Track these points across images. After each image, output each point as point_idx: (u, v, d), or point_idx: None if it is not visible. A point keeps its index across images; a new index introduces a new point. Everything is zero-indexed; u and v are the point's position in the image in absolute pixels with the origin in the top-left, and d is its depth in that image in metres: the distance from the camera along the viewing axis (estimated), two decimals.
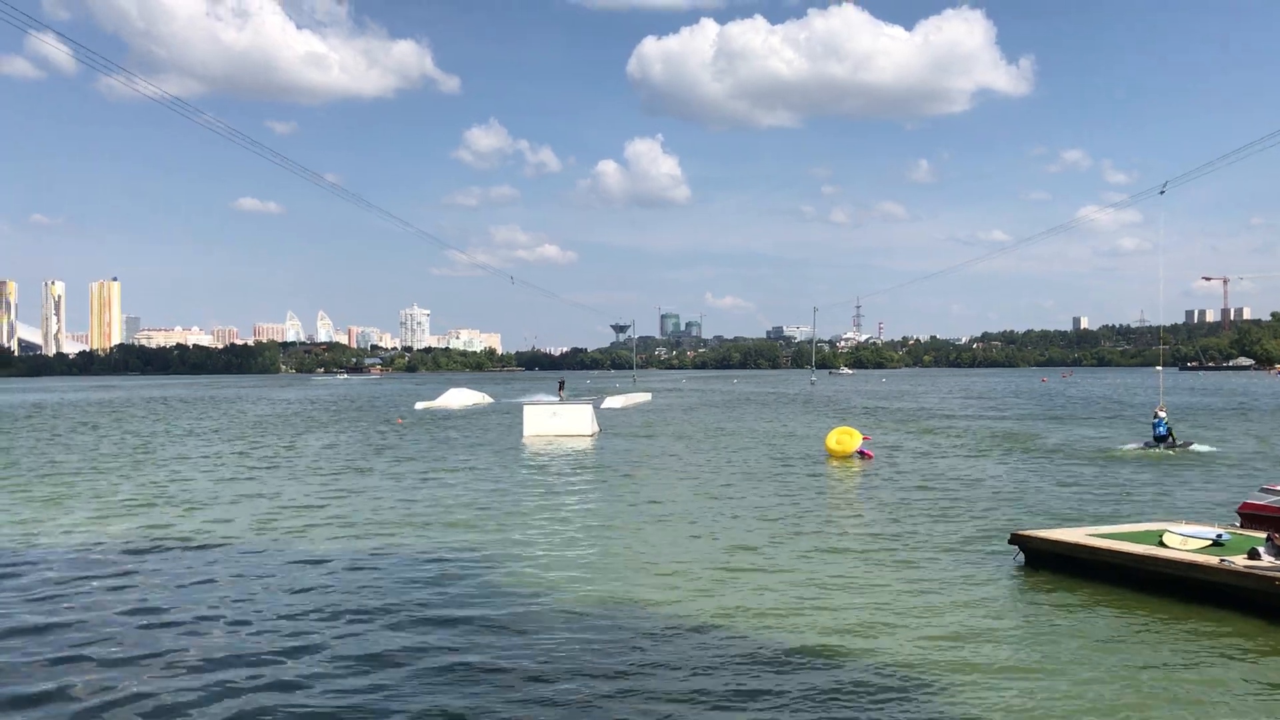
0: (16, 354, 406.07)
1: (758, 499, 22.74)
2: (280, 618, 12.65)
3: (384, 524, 19.69)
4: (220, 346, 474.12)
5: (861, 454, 33.22)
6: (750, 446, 37.85)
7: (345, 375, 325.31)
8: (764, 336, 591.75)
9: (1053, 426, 47.43)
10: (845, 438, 33.62)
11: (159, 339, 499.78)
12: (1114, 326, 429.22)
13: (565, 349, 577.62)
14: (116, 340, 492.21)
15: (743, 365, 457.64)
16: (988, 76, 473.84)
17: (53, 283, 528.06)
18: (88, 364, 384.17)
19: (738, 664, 10.70)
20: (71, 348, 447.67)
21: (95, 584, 14.58)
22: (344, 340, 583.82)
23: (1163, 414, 34.88)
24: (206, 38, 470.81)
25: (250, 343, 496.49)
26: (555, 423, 43.52)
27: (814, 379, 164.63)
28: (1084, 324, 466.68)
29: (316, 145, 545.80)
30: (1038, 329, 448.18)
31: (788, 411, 66.30)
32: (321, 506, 22.18)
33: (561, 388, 55.65)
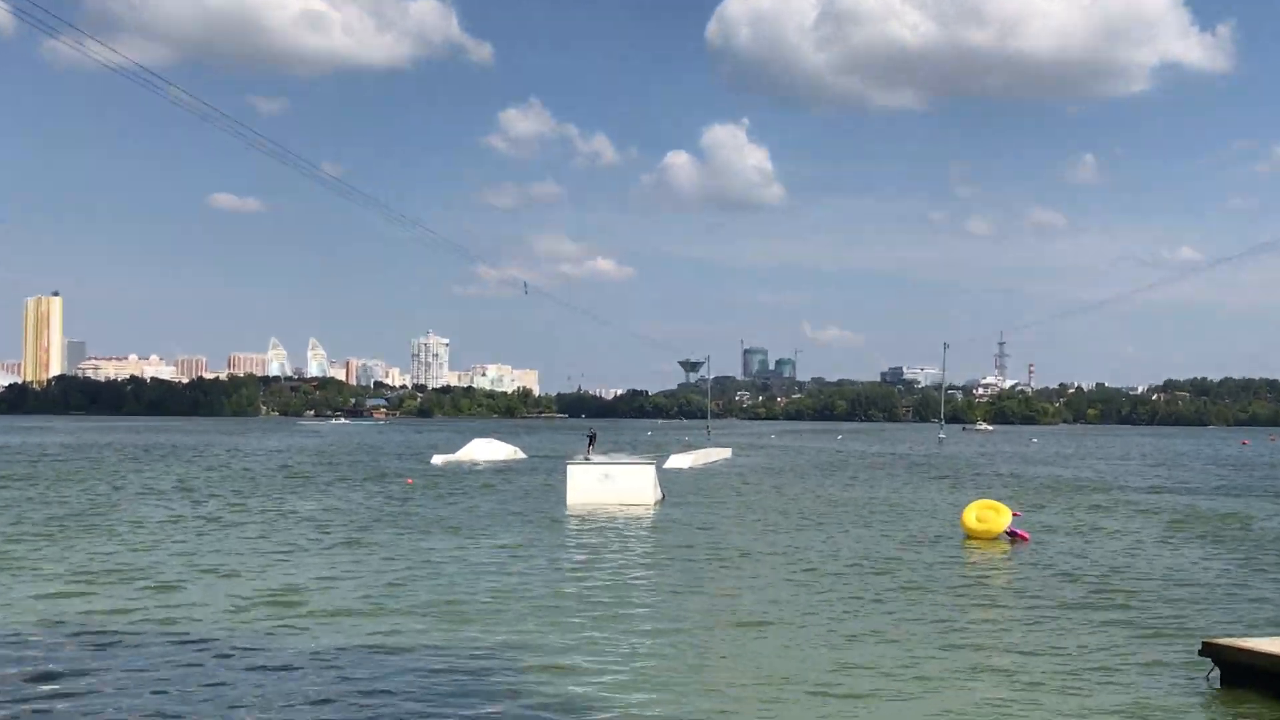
0: None
1: (875, 596, 22.46)
2: None
3: (386, 617, 19.79)
4: (185, 381, 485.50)
5: (1011, 535, 32.86)
6: (863, 524, 37.61)
7: (342, 419, 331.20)
8: (878, 380, 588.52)
9: (1260, 505, 46.31)
10: (989, 514, 33.50)
11: (109, 369, 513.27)
12: None
13: (620, 391, 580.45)
14: (56, 370, 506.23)
15: (850, 416, 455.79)
16: (1175, 47, 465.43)
17: None
18: (19, 400, 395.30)
19: None
20: None
21: (17, 686, 14.69)
22: (341, 375, 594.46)
23: None
24: None
25: (223, 376, 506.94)
26: (607, 488, 43.67)
27: (943, 435, 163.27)
28: None
29: (312, 128, 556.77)
30: (1238, 376, 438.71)
31: (911, 478, 65.74)
32: (308, 591, 22.36)
33: (591, 443, 55.26)
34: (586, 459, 48.49)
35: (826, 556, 28.58)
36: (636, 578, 24.42)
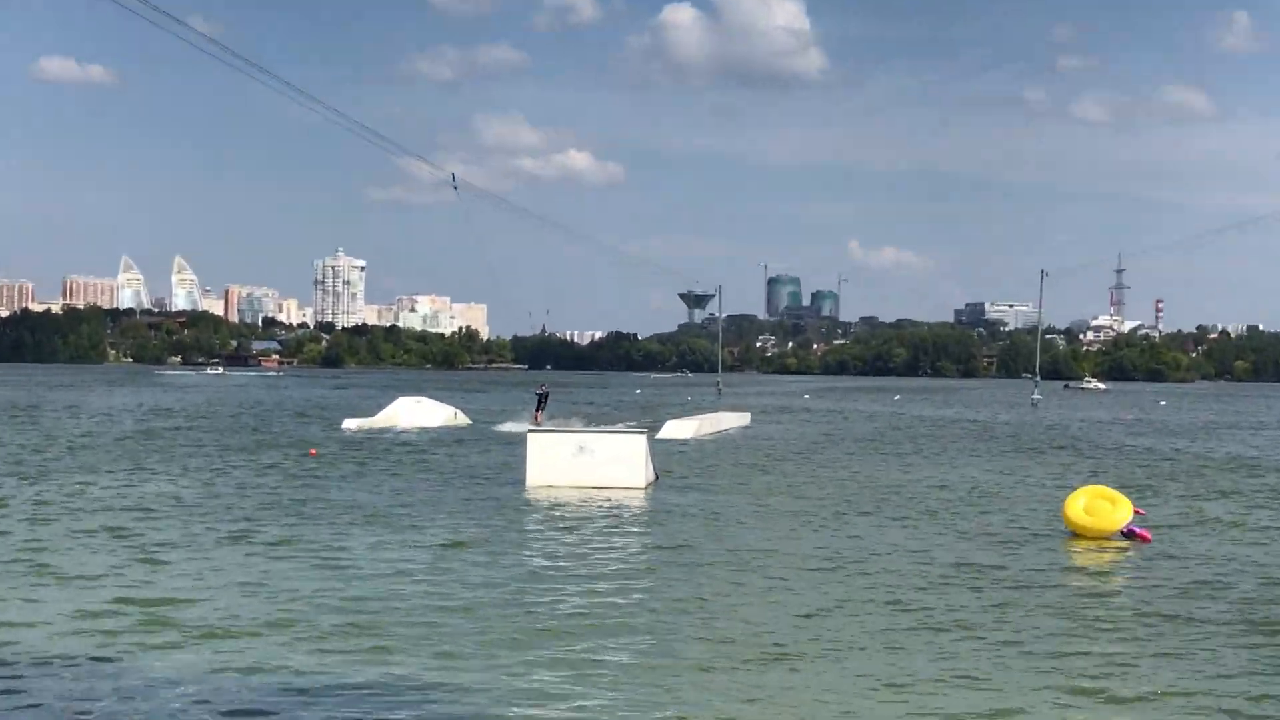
0: None
1: (948, 617, 22.41)
2: None
3: (277, 641, 19.80)
4: (3, 314, 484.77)
5: (1129, 534, 33.03)
6: (930, 517, 37.71)
7: (220, 368, 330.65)
8: (950, 321, 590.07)
9: None
10: (1101, 505, 33.64)
11: None
12: None
13: (600, 334, 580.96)
14: None
15: (911, 370, 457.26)
16: None
17: None
18: None
19: None
20: None
21: None
22: (217, 309, 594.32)
23: None
24: None
25: (56, 309, 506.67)
26: (583, 465, 43.94)
27: (1038, 396, 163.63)
28: None
29: None
30: None
31: (994, 455, 66.13)
32: (173, 604, 22.41)
33: (541, 404, 55.11)
34: (535, 425, 48.85)
35: (879, 562, 28.55)
36: (619, 591, 24.38)
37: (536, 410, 57.42)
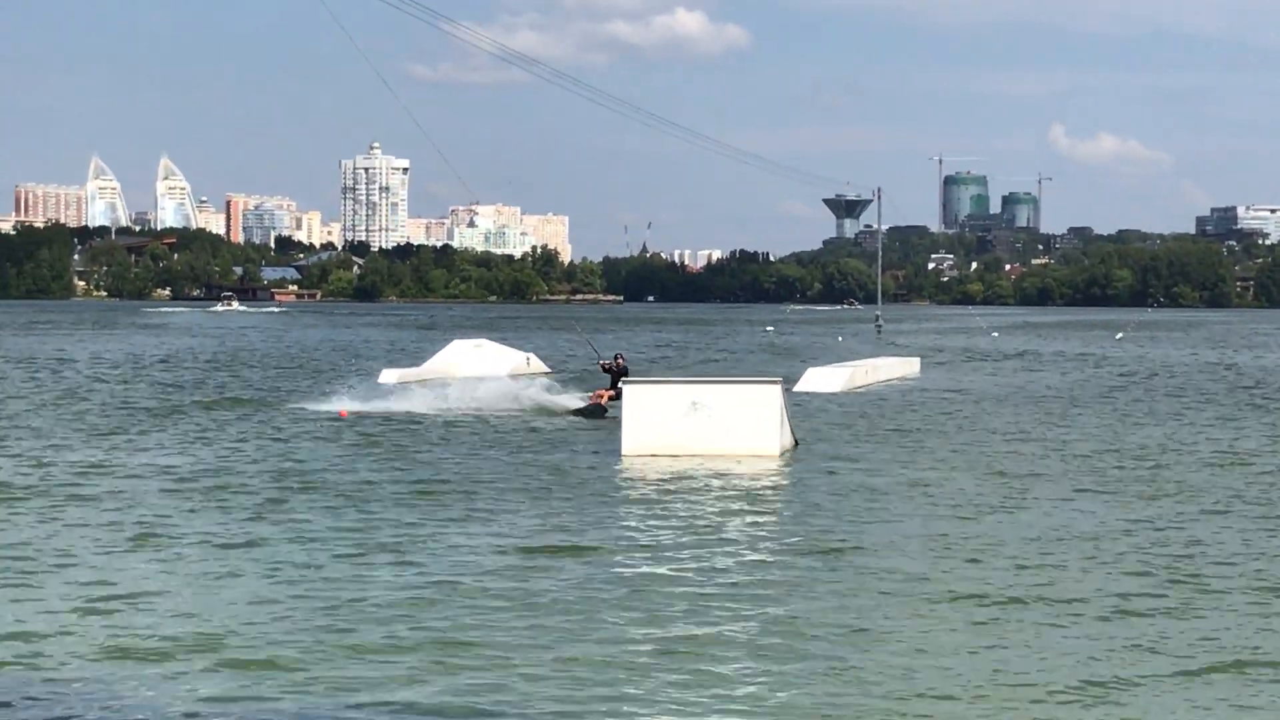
0: None
1: (1203, 645, 21.87)
2: None
3: (308, 663, 19.94)
4: None
5: None
6: (1172, 497, 37.20)
7: (234, 303, 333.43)
8: (1192, 232, 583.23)
9: None
10: None
11: None
12: None
13: (719, 254, 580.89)
14: None
15: (1139, 298, 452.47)
16: None
17: None
18: None
19: None
20: None
21: None
22: (217, 226, 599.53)
23: None
24: None
25: (7, 227, 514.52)
26: (697, 425, 44.01)
27: None
28: None
29: None
30: None
31: (1257, 412, 65.13)
32: (160, 598, 22.57)
33: (616, 380, 53.20)
34: (595, 406, 50.89)
35: (1103, 563, 28.02)
36: (748, 605, 24.10)
37: (602, 391, 55.47)
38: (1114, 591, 24.88)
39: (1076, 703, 18.39)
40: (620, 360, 55.80)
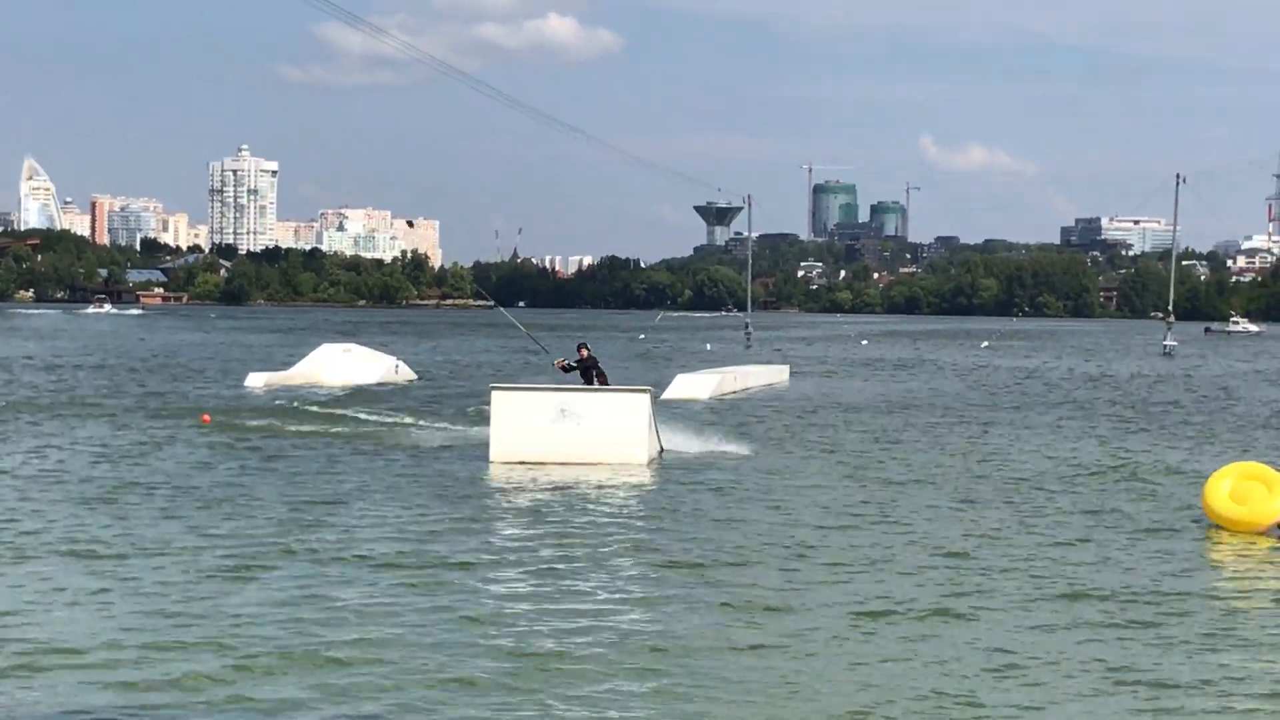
0: None
1: (1057, 644, 22.17)
2: None
3: (139, 680, 19.67)
4: None
5: None
6: (1032, 505, 37.68)
7: (107, 305, 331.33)
8: (1057, 242, 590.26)
9: None
10: (1253, 490, 33.46)
11: None
12: None
13: (590, 260, 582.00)
14: None
15: (1004, 307, 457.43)
16: None
17: None
18: None
19: None
20: None
21: None
22: (82, 228, 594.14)
23: None
24: None
25: None
26: (565, 432, 44.02)
27: (1170, 342, 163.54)
28: None
29: None
30: None
31: (1116, 421, 65.99)
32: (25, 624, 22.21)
33: (582, 361, 51.20)
34: (565, 367, 47.48)
35: (960, 567, 28.26)
36: (608, 619, 23.99)
37: (578, 358, 50.49)
38: (947, 595, 25.04)
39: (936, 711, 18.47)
40: (585, 352, 48.50)
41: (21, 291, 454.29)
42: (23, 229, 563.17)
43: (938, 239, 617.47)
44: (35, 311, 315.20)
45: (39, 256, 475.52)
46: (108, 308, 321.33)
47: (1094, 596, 25.71)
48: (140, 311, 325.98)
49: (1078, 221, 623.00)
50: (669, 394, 71.35)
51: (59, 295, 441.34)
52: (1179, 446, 54.30)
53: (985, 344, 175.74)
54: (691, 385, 75.63)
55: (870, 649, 21.77)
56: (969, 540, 31.65)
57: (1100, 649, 21.91)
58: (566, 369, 48.18)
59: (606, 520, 33.82)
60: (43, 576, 26.02)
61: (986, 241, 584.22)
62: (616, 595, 25.42)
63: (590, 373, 47.55)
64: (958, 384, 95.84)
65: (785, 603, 24.91)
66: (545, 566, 27.86)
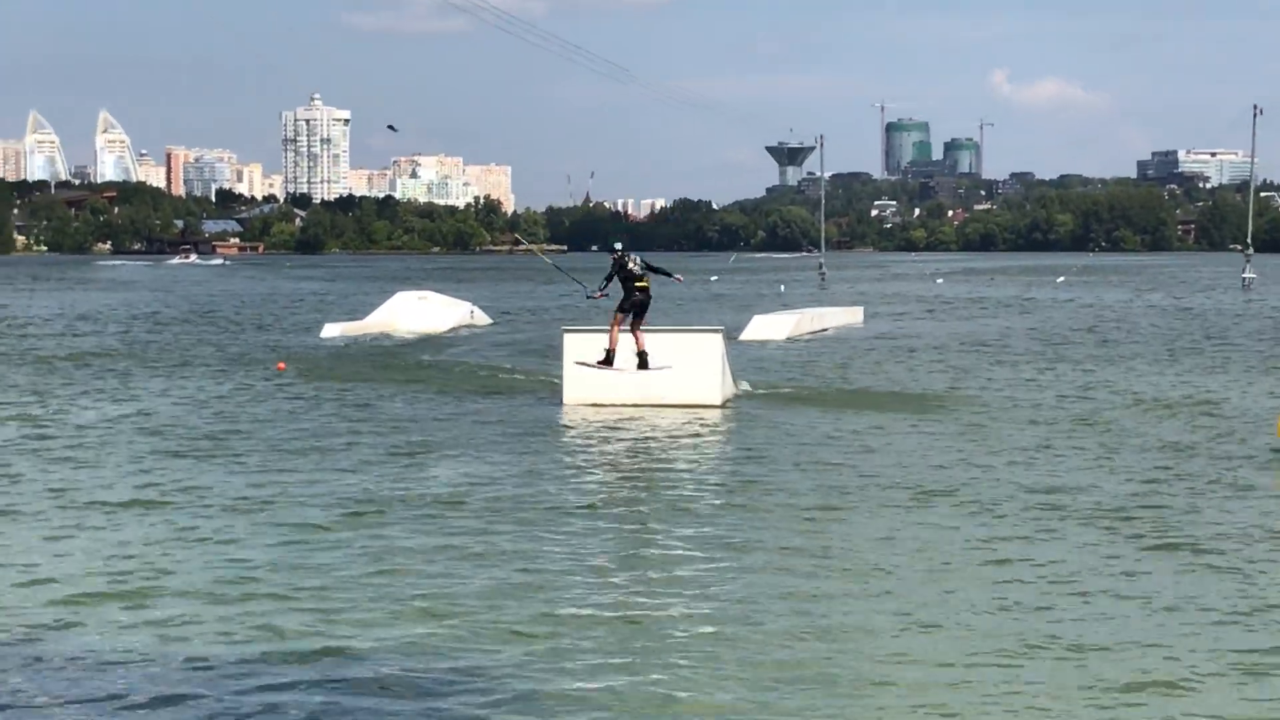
0: None
1: (1129, 579, 22.01)
2: None
3: (235, 617, 19.88)
4: None
5: None
6: (1105, 444, 37.26)
7: (191, 255, 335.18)
8: (1132, 176, 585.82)
9: None
10: None
11: None
12: None
13: (662, 203, 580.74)
14: None
15: (1080, 242, 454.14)
16: None
17: None
18: None
19: None
20: None
21: None
22: (158, 179, 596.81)
23: None
24: None
25: None
26: (637, 375, 43.84)
27: (1251, 273, 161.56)
28: None
29: None
30: None
31: (1191, 356, 65.43)
32: (98, 574, 22.26)
33: (633, 308, 45.16)
34: (600, 292, 42.66)
35: (1043, 503, 28.20)
36: (692, 562, 23.88)
37: (617, 264, 42.21)
38: (1035, 533, 24.90)
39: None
40: (619, 252, 42.17)
41: (99, 244, 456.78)
42: (99, 182, 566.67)
43: (1012, 175, 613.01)
44: (118, 263, 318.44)
45: (116, 209, 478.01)
46: (194, 258, 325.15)
47: (1179, 536, 25.52)
48: (223, 261, 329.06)
49: (1154, 155, 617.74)
50: (746, 335, 71.67)
51: (136, 247, 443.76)
52: (1259, 380, 53.74)
53: (1061, 279, 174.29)
54: (768, 326, 75.58)
55: (964, 596, 21.68)
56: (1054, 478, 31.48)
57: (1191, 586, 21.80)
58: (602, 292, 43.03)
59: (685, 465, 33.65)
60: (123, 524, 26.25)
61: (1061, 176, 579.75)
62: (700, 543, 25.12)
63: (631, 282, 41.61)
64: (1034, 320, 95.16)
65: (873, 547, 24.78)
66: (629, 511, 27.83)
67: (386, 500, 28.53)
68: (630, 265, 42.00)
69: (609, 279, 42.22)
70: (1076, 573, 22.59)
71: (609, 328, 42.66)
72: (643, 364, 42.39)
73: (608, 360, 42.31)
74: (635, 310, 42.19)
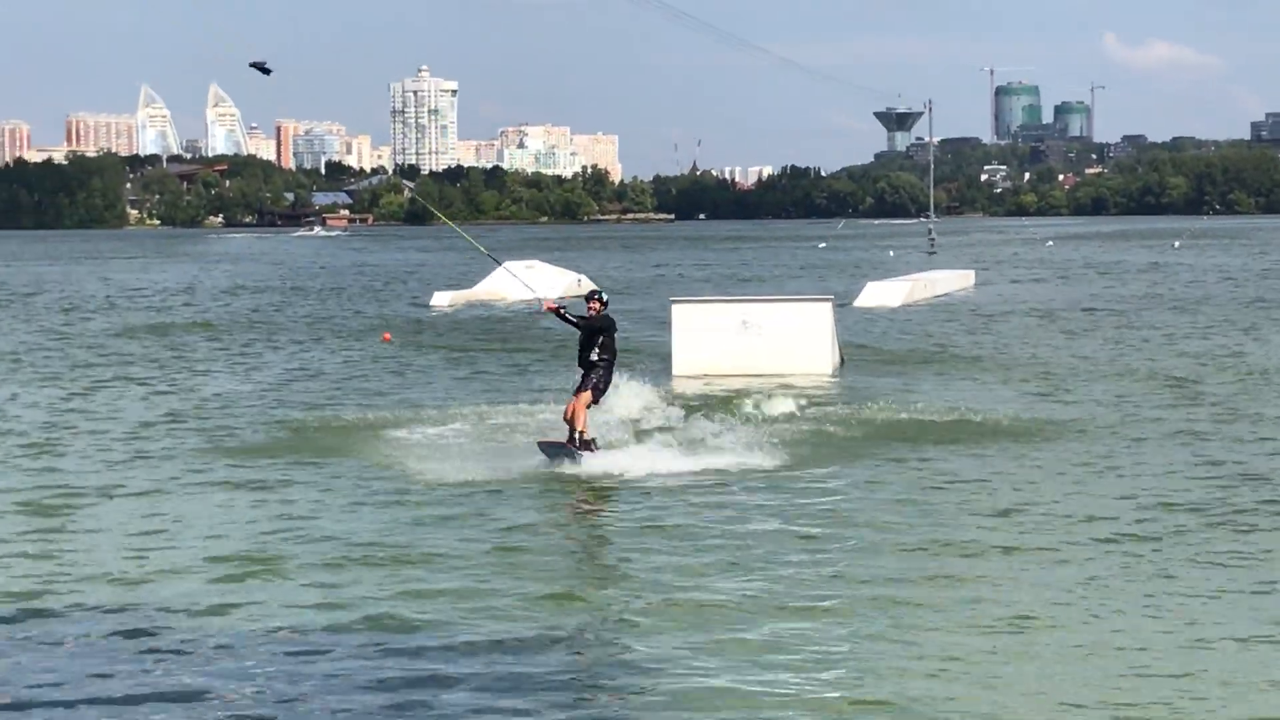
0: None
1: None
2: None
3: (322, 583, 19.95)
4: None
5: None
6: (1228, 403, 37.05)
7: (314, 229, 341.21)
8: (1246, 138, 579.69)
9: None
10: None
11: None
12: None
13: (770, 170, 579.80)
14: None
15: (1194, 205, 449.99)
16: None
17: None
18: None
19: None
20: None
21: None
22: (268, 152, 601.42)
23: None
24: None
25: (59, 157, 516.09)
26: (746, 345, 43.66)
27: None
28: None
29: None
30: None
31: None
32: (215, 534, 22.48)
33: (587, 319, 29.15)
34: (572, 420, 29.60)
35: (1174, 481, 27.65)
36: (803, 535, 23.57)
37: (582, 391, 30.77)
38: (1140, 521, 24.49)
39: None
40: (596, 305, 31.28)
41: (211, 217, 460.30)
42: (210, 155, 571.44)
43: (1124, 138, 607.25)
44: (234, 235, 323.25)
45: (227, 182, 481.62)
46: (318, 230, 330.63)
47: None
48: (343, 232, 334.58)
49: (1268, 116, 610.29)
50: (860, 301, 71.97)
51: (247, 219, 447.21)
52: None
53: (1177, 243, 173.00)
54: (883, 292, 75.54)
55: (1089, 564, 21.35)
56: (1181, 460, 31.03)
57: None
58: (561, 316, 31.30)
59: (804, 433, 33.42)
60: (233, 487, 26.49)
61: (1174, 139, 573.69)
62: (825, 510, 25.01)
63: (595, 337, 30.65)
64: (1149, 284, 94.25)
65: (1006, 497, 25.19)
66: (755, 482, 27.60)
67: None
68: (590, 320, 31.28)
69: (577, 323, 31.37)
70: None
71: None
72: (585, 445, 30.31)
73: (585, 445, 30.14)
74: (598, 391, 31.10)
